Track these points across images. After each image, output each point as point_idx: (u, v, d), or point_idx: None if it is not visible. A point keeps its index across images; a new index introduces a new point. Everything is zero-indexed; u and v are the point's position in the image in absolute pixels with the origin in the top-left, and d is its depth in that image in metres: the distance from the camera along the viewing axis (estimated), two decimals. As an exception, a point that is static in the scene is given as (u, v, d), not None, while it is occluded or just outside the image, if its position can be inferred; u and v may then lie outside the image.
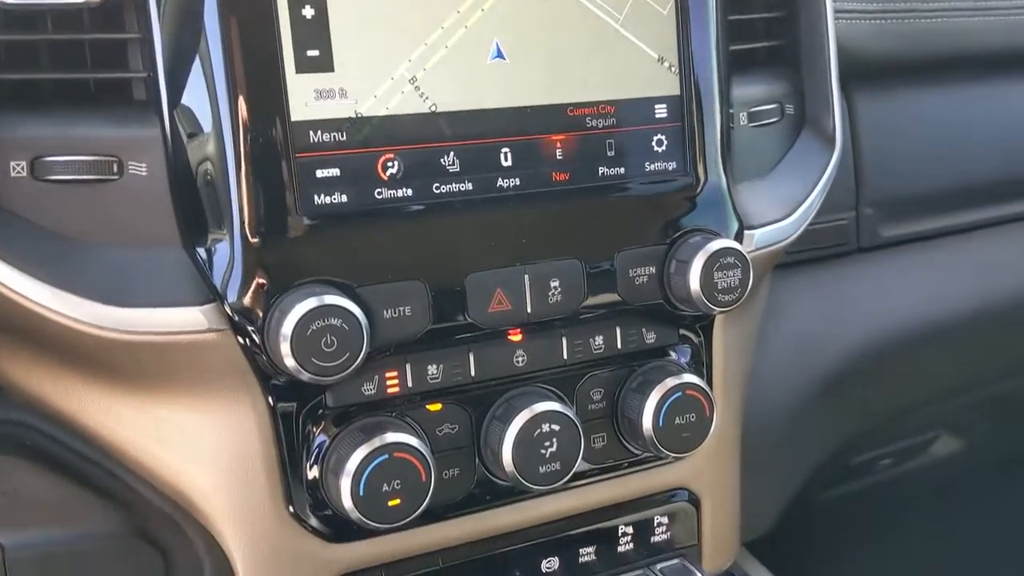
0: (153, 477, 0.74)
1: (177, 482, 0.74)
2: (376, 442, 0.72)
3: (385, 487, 0.72)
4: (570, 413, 0.78)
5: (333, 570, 0.77)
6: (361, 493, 0.71)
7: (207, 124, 0.69)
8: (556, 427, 0.78)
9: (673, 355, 0.87)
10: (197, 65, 0.68)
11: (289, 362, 0.68)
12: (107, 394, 0.73)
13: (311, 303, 0.68)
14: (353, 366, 0.69)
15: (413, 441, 0.73)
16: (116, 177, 0.69)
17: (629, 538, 0.89)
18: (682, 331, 0.87)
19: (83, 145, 0.68)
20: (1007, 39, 1.19)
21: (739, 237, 0.85)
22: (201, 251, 0.70)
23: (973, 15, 1.16)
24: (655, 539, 0.90)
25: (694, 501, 0.92)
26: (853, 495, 1.39)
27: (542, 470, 0.78)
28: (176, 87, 0.69)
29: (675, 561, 0.90)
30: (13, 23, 0.67)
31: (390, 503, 0.72)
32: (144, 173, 0.69)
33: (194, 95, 0.69)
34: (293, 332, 0.67)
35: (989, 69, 1.20)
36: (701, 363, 0.88)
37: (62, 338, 0.68)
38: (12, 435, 0.74)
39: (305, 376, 0.68)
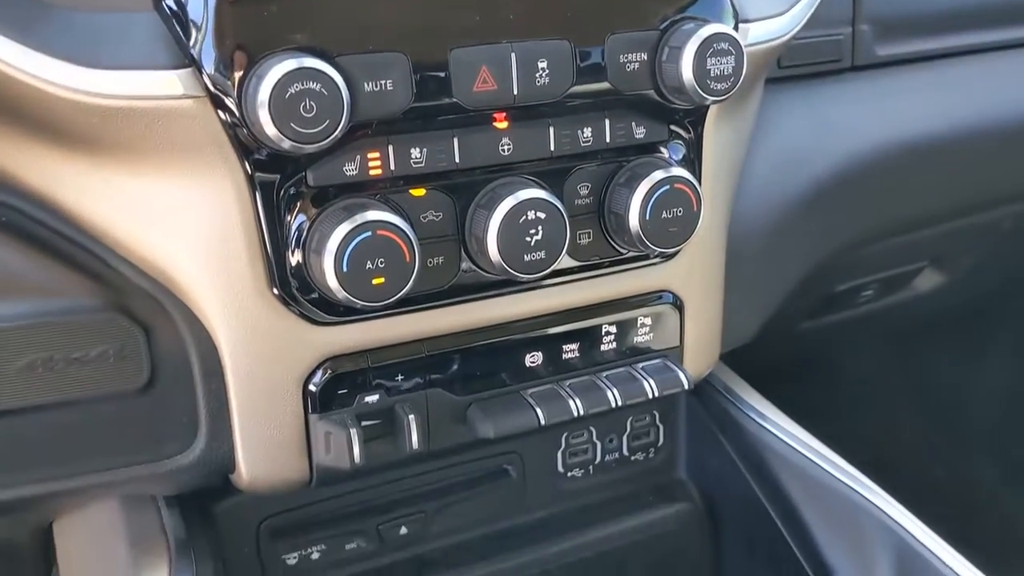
0: (132, 255, 0.72)
1: (157, 261, 0.72)
2: (358, 219, 0.70)
3: (369, 264, 0.71)
4: (556, 201, 0.77)
5: (317, 352, 0.77)
6: (345, 269, 0.70)
7: None
8: (542, 215, 0.76)
9: (664, 152, 0.85)
10: None
11: (269, 129, 0.65)
12: (83, 171, 0.71)
13: (289, 65, 0.65)
14: (334, 134, 0.67)
15: (396, 220, 0.71)
16: (80, -68, 0.65)
17: (612, 337, 0.89)
18: (673, 127, 0.84)
19: None
20: None
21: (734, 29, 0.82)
22: (174, 14, 0.66)
23: None
24: (638, 340, 0.90)
25: (678, 304, 0.91)
26: (833, 327, 1.40)
27: (527, 258, 0.77)
28: None
29: (657, 360, 0.91)
30: None
31: (374, 281, 0.71)
32: (111, -73, 0.65)
33: None
34: (271, 96, 0.64)
35: None
36: (691, 161, 0.86)
37: (36, 107, 0.66)
38: None
39: (286, 144, 0.66)
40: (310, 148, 0.67)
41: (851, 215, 1.12)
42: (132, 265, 0.73)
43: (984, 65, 1.21)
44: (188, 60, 0.67)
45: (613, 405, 0.86)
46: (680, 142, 0.86)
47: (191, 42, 0.66)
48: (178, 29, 0.66)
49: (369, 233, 0.70)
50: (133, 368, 0.74)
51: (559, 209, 0.77)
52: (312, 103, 0.66)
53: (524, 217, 0.76)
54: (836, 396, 1.64)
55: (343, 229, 0.70)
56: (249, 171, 0.71)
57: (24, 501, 0.77)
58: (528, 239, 0.76)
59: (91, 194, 0.72)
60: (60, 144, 0.71)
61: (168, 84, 0.66)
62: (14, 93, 0.65)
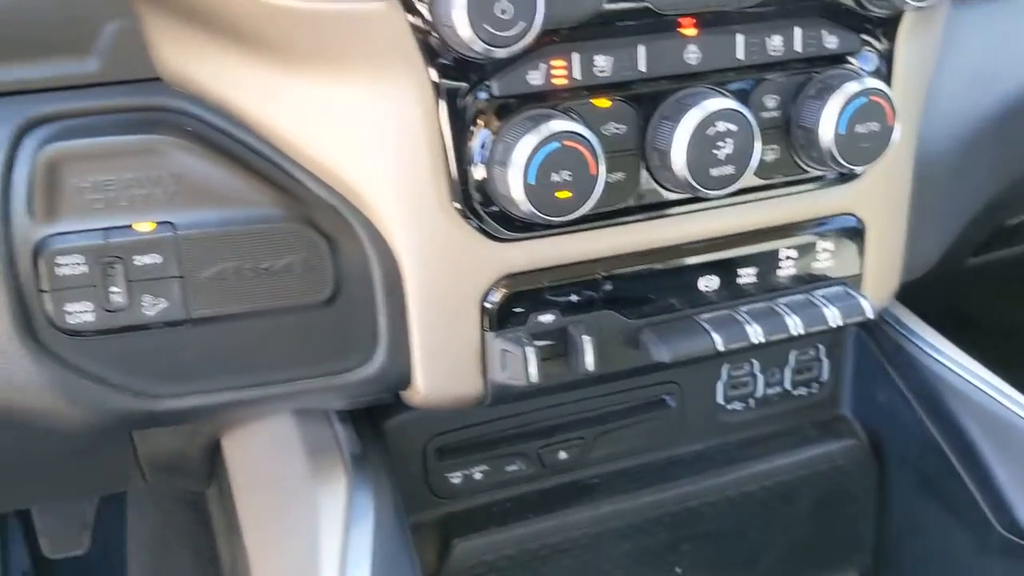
0: (315, 165, 0.72)
1: (340, 173, 0.71)
2: (545, 130, 0.68)
3: (555, 176, 0.69)
4: (747, 112, 0.73)
5: (495, 269, 0.75)
6: (532, 181, 0.68)
7: None
8: (732, 127, 0.73)
9: (854, 63, 0.80)
10: None
11: (463, 31, 0.63)
12: (269, 80, 0.70)
13: None
14: (526, 37, 0.65)
15: (583, 131, 0.69)
16: None
17: (791, 262, 0.85)
18: (864, 36, 0.79)
19: None
20: None
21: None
22: None
23: None
24: (816, 265, 0.86)
25: (860, 229, 0.87)
26: (999, 265, 1.32)
27: (714, 172, 0.73)
28: None
29: (838, 287, 0.86)
30: None
31: (558, 194, 0.69)
32: None
33: None
34: None
35: None
36: (883, 74, 0.81)
37: (226, 10, 0.66)
38: (173, 122, 0.72)
39: (478, 46, 0.64)
40: (501, 53, 0.65)
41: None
42: (315, 176, 0.73)
43: None
44: (379, -37, 0.65)
45: (793, 333, 0.82)
46: (872, 52, 0.81)
47: (382, -56, 0.65)
48: None
49: (557, 144, 0.68)
50: (318, 280, 0.74)
51: (750, 120, 0.73)
52: (508, 4, 0.63)
53: (713, 128, 0.72)
54: (1009, 339, 1.55)
55: (530, 140, 0.68)
56: (434, 78, 0.69)
57: (205, 410, 0.79)
58: (716, 152, 0.73)
59: (276, 103, 0.71)
60: (247, 52, 0.70)
61: (360, -14, 0.65)
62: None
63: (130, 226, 0.70)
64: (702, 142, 0.72)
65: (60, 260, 0.68)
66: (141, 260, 0.70)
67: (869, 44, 0.80)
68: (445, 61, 0.68)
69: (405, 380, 0.79)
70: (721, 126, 0.73)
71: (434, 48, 0.68)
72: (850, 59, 0.80)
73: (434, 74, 0.69)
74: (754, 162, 0.75)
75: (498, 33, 0.64)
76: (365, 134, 0.71)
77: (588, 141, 0.69)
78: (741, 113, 0.73)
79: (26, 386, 0.73)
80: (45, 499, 1.30)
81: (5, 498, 1.12)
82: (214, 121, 0.73)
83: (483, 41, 0.64)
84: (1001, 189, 1.03)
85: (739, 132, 0.73)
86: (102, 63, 0.74)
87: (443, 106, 0.70)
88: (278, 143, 0.73)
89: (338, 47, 0.68)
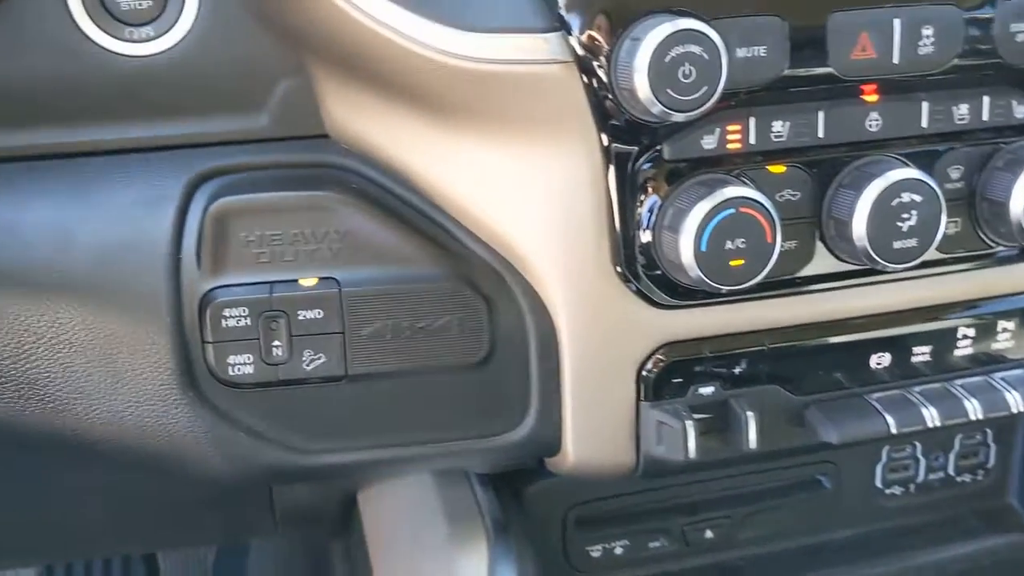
0: (478, 224, 0.71)
1: (503, 230, 0.70)
2: (720, 195, 0.65)
3: (728, 244, 0.66)
4: (933, 183, 0.69)
5: (654, 337, 0.72)
6: (704, 248, 0.65)
7: None
8: (917, 198, 0.69)
9: (1042, 133, 0.75)
10: None
11: (643, 95, 0.62)
12: (436, 138, 0.70)
13: (669, 28, 0.61)
14: (710, 102, 0.63)
15: (760, 197, 0.66)
16: None
17: (968, 342, 0.80)
18: (1058, 105, 0.75)
19: None
20: None
21: None
22: None
23: None
24: (996, 346, 0.80)
25: (1043, 308, 0.81)
26: None
27: (896, 245, 0.69)
28: None
29: (1019, 371, 0.80)
30: None
31: (732, 263, 0.66)
32: None
33: None
34: (651, 60, 0.61)
35: None
36: (1074, 144, 0.76)
37: (401, 69, 0.66)
38: (340, 179, 0.73)
39: (656, 109, 0.62)
40: (680, 116, 0.63)
41: None
42: (476, 236, 0.72)
43: None
44: (556, 23, 0.64)
45: (972, 417, 0.76)
46: (1063, 123, 0.76)
47: (559, 4, 0.64)
48: None
49: (732, 210, 0.65)
50: (474, 341, 0.73)
51: (937, 192, 0.69)
52: (691, 67, 0.61)
53: (897, 199, 0.68)
54: None
55: (704, 206, 0.65)
56: (604, 142, 0.67)
57: (351, 467, 0.78)
58: (900, 224, 0.69)
59: (442, 162, 0.71)
60: (417, 111, 0.70)
61: (536, 48, 0.64)
62: (381, 54, 0.65)
63: (295, 280, 0.70)
64: (886, 213, 0.68)
65: (227, 312, 0.69)
66: (304, 315, 0.70)
67: (1063, 113, 0.75)
68: (616, 123, 0.67)
69: (554, 447, 0.76)
70: (906, 197, 0.69)
71: (606, 110, 0.66)
72: (1038, 130, 0.76)
73: (604, 136, 0.67)
74: (939, 236, 0.71)
75: (679, 97, 0.62)
76: (530, 194, 0.69)
77: (765, 208, 0.66)
78: (928, 184, 0.69)
79: (181, 434, 0.73)
80: (176, 544, 1.32)
81: (138, 541, 1.14)
82: (379, 179, 0.74)
83: (663, 105, 0.62)
84: None
85: (924, 204, 0.69)
86: (272, 119, 0.75)
87: (612, 169, 0.68)
88: (441, 202, 0.72)
89: (510, 108, 0.67)
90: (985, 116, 0.73)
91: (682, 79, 0.62)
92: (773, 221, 0.67)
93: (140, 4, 0.71)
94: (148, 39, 0.72)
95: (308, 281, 0.70)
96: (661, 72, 0.61)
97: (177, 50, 0.72)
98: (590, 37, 0.64)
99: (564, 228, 0.69)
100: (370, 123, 0.72)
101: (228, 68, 0.73)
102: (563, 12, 0.64)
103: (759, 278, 0.67)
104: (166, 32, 0.72)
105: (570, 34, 0.64)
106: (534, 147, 0.68)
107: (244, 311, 0.69)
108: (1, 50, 0.70)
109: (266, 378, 0.71)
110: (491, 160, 0.70)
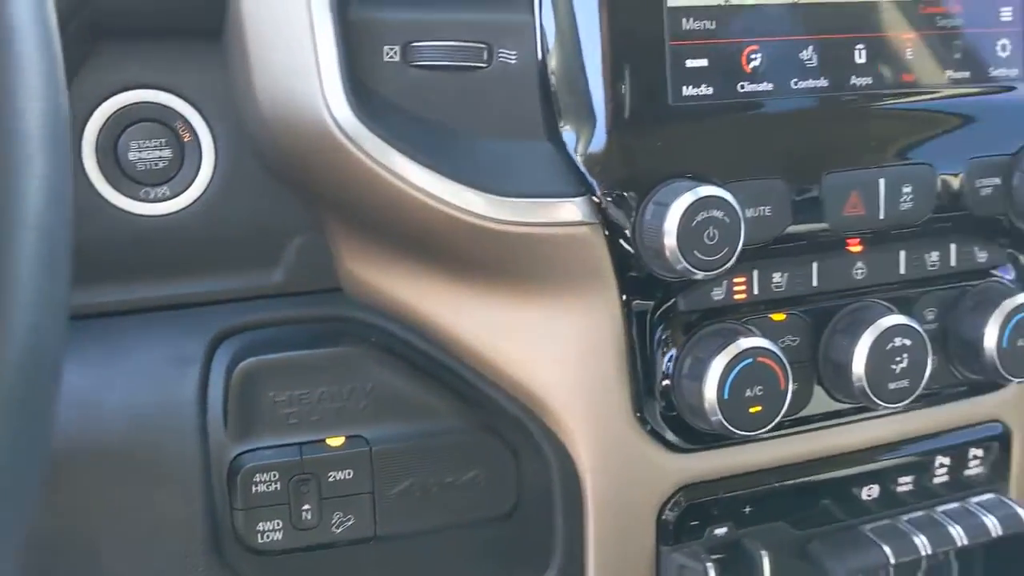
0: (500, 376, 0.72)
1: (525, 381, 0.72)
2: (738, 346, 0.69)
3: (748, 392, 0.69)
4: (919, 328, 0.75)
5: (672, 480, 0.75)
6: (726, 397, 0.69)
7: (581, 10, 0.67)
8: (907, 342, 0.74)
9: (997, 274, 0.83)
10: None
11: (670, 254, 0.65)
12: (457, 292, 0.72)
13: (692, 195, 0.65)
14: (730, 262, 0.67)
15: (773, 346, 0.70)
16: (485, 65, 0.67)
17: (945, 470, 0.85)
18: (1009, 249, 0.82)
19: (454, 30, 0.67)
20: None
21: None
22: (569, 142, 0.68)
23: None
24: (968, 473, 0.86)
25: (1006, 435, 0.87)
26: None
27: (891, 386, 0.74)
28: None
29: (991, 496, 0.86)
30: None
31: (751, 409, 0.70)
32: (513, 61, 0.67)
33: None
34: (680, 222, 0.65)
35: None
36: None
37: (438, 231, 0.67)
38: (359, 333, 0.73)
39: (680, 267, 0.66)
40: (701, 275, 0.67)
41: None
42: (499, 387, 0.73)
43: None
44: (582, 187, 0.68)
45: (959, 543, 0.81)
46: (1013, 265, 0.84)
47: (587, 171, 0.68)
48: (575, 158, 0.68)
49: (750, 360, 0.69)
50: (501, 494, 0.73)
51: (923, 336, 0.75)
52: (715, 231, 0.66)
53: (891, 344, 0.74)
54: None
55: (725, 356, 0.69)
56: (624, 296, 0.71)
57: None
58: (893, 366, 0.74)
59: (464, 317, 0.72)
60: (437, 267, 0.72)
61: (566, 212, 0.67)
62: (422, 217, 0.67)
63: (323, 441, 0.69)
64: (881, 356, 0.74)
65: (258, 477, 0.67)
66: (334, 476, 0.69)
67: (1013, 256, 0.83)
68: (635, 279, 0.70)
69: (575, 596, 0.76)
70: (898, 341, 0.74)
71: (627, 267, 0.69)
72: (993, 271, 0.83)
73: (624, 290, 0.70)
74: (927, 375, 0.76)
75: (704, 258, 0.66)
76: (552, 347, 0.71)
77: (778, 356, 0.70)
78: (916, 329, 0.75)
79: None
80: None
81: None
82: (398, 332, 0.74)
83: (689, 264, 0.66)
84: None
85: (913, 347, 0.75)
86: (286, 274, 0.75)
87: (632, 321, 0.71)
88: (465, 354, 0.73)
89: (537, 266, 0.69)
90: (953, 262, 0.80)
91: (707, 241, 0.66)
92: (785, 368, 0.71)
93: (156, 164, 0.71)
94: (164, 199, 0.72)
95: (335, 440, 0.70)
96: (688, 235, 0.65)
97: (193, 209, 0.72)
98: (615, 201, 0.67)
99: (587, 378, 0.72)
100: (391, 278, 0.73)
101: (243, 225, 0.73)
102: (588, 178, 0.68)
103: (775, 422, 0.71)
104: (182, 192, 0.72)
105: (597, 199, 0.68)
106: (558, 301, 0.71)
107: (275, 475, 0.68)
108: None
109: (294, 544, 0.69)
110: (514, 311, 0.72)
